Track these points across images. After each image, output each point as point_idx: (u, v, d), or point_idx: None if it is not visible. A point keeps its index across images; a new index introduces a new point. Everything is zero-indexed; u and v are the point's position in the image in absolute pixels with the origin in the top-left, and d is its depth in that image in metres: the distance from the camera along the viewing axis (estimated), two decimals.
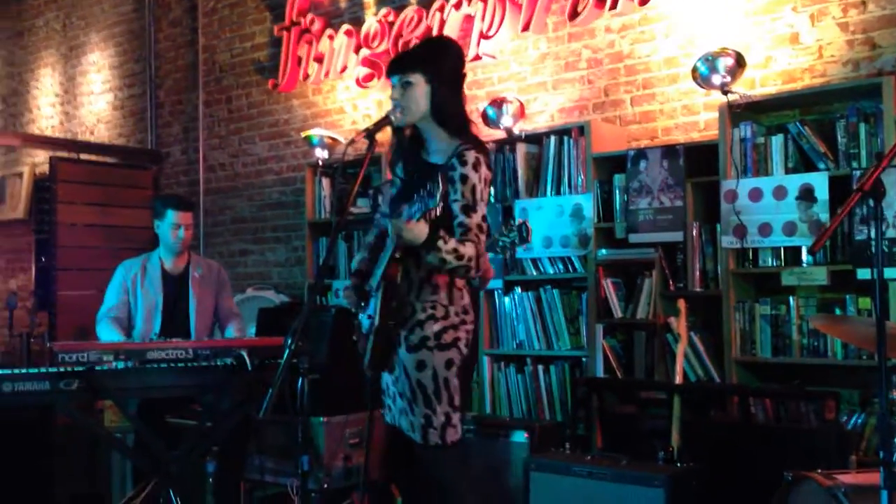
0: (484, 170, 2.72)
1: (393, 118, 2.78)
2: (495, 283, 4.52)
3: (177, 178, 6.94)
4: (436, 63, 2.79)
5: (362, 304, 2.89)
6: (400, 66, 2.81)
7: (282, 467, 4.11)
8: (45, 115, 8.05)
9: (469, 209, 2.69)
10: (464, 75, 2.89)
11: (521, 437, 3.90)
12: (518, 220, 3.24)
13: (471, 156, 2.71)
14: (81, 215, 6.45)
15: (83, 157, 6.85)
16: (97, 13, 7.61)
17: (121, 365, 3.36)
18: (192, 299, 4.19)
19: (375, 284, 2.77)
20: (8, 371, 3.27)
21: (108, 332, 4.04)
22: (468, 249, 2.65)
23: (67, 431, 4.44)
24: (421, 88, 2.76)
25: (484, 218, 2.74)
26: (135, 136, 7.23)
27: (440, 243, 2.60)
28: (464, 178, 2.69)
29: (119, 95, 7.40)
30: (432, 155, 2.84)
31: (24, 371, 3.28)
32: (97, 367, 3.31)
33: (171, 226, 4.13)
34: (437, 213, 2.65)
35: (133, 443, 4.05)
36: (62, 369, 3.26)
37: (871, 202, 2.15)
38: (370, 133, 2.74)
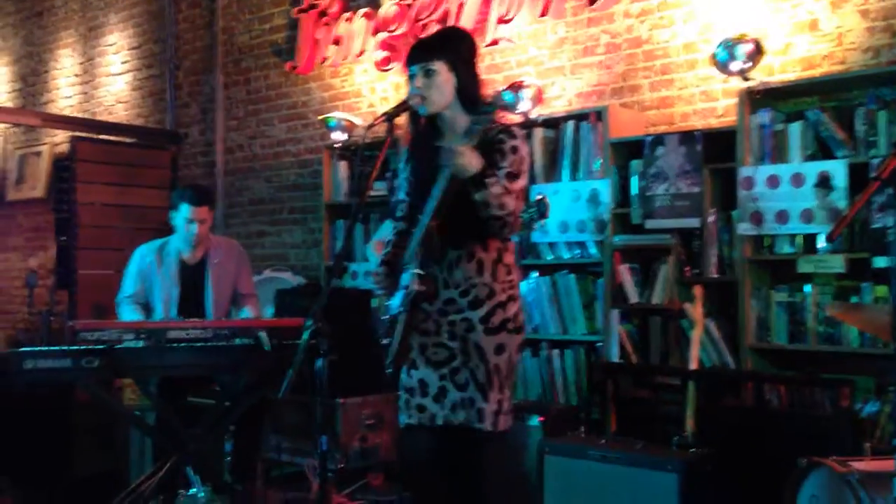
0: (526, 143, 2.81)
1: (412, 103, 2.77)
2: None
3: (195, 159, 6.98)
4: (456, 50, 2.79)
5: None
6: (421, 54, 2.79)
7: (298, 447, 4.16)
8: (64, 95, 8.10)
9: (513, 176, 2.72)
10: (476, 63, 2.89)
11: (535, 420, 3.93)
12: (537, 197, 3.25)
13: (518, 131, 2.80)
14: (100, 195, 6.50)
15: (102, 136, 6.89)
16: None
17: (141, 344, 3.41)
18: (210, 289, 4.13)
19: (412, 251, 2.71)
20: (30, 348, 3.33)
21: (129, 314, 4.06)
22: (510, 203, 2.67)
23: (87, 409, 4.50)
24: (445, 75, 2.76)
25: (524, 189, 2.78)
26: (153, 117, 7.27)
27: (490, 180, 2.61)
28: (514, 149, 2.74)
29: (138, 76, 7.44)
30: (459, 141, 2.80)
31: (45, 348, 3.33)
32: (118, 346, 3.35)
33: (185, 220, 4.05)
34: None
35: (154, 421, 4.09)
36: (83, 347, 3.31)
37: (890, 190, 2.14)
38: (389, 117, 2.75)
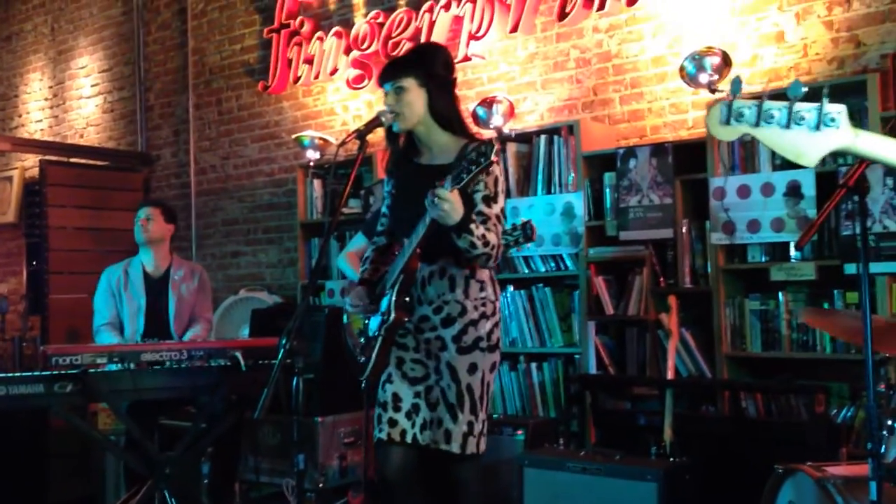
0: (500, 161, 2.73)
1: (384, 119, 2.77)
2: None
3: (167, 181, 6.94)
4: (426, 66, 2.78)
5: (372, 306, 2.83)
6: (391, 72, 2.80)
7: (277, 467, 4.13)
8: (35, 119, 8.04)
9: (490, 200, 2.68)
10: (454, 78, 2.88)
11: (515, 434, 3.93)
12: (522, 220, 3.25)
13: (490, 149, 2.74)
14: (72, 219, 6.45)
15: (73, 160, 6.84)
16: (86, 17, 7.60)
17: (114, 367, 3.37)
18: (172, 301, 4.25)
19: (392, 279, 2.70)
20: (1, 374, 3.28)
21: (108, 340, 4.09)
22: (493, 237, 2.63)
23: (61, 434, 4.44)
24: (415, 92, 2.75)
25: (503, 210, 2.73)
26: (125, 139, 7.23)
27: (472, 226, 2.56)
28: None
29: (108, 98, 7.40)
30: (435, 158, 2.80)
31: (17, 374, 3.28)
32: (91, 370, 3.32)
33: (138, 219, 4.27)
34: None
35: (124, 444, 4.05)
36: (56, 372, 3.27)
37: (856, 198, 2.17)
38: (361, 134, 2.75)
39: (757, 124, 1.46)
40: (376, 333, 2.73)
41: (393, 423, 2.72)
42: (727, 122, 1.47)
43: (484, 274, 2.74)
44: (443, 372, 2.69)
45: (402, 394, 2.73)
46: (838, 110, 1.47)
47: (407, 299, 2.68)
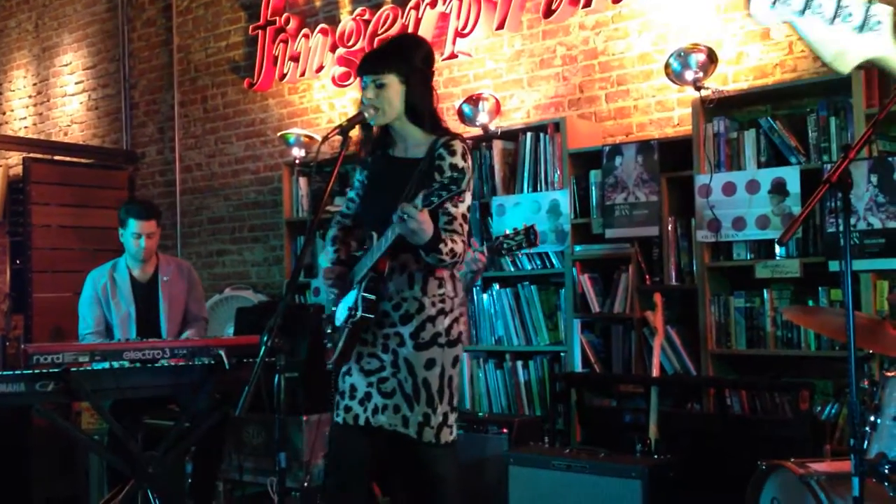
0: (469, 160, 2.71)
1: (367, 114, 2.76)
2: None
3: (153, 179, 6.90)
4: (408, 61, 2.76)
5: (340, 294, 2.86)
6: (372, 66, 2.77)
7: (261, 466, 4.11)
8: (18, 116, 7.98)
9: (456, 200, 2.65)
10: (433, 72, 2.86)
11: (500, 432, 3.92)
12: (525, 224, 3.19)
13: (458, 145, 2.70)
14: (56, 217, 6.40)
15: (57, 158, 6.79)
16: (70, 13, 7.55)
17: (97, 366, 3.34)
18: (163, 306, 4.15)
19: (360, 276, 2.72)
20: None
21: None
22: (458, 246, 2.62)
23: (44, 433, 4.41)
24: (395, 88, 2.73)
25: (469, 208, 2.72)
26: (109, 137, 7.18)
27: (442, 245, 2.56)
28: (453, 167, 2.66)
29: (93, 96, 7.35)
30: (409, 151, 2.80)
31: None
32: (73, 369, 3.29)
33: (133, 235, 4.07)
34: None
35: (108, 443, 4.02)
36: (38, 371, 3.24)
37: (840, 194, 2.17)
38: (344, 130, 2.73)
39: (803, 12, 1.41)
40: (343, 325, 2.75)
41: (348, 409, 2.76)
42: (773, 5, 1.43)
43: (444, 271, 2.74)
44: (400, 366, 2.71)
45: (358, 385, 2.76)
46: (887, 12, 1.42)
47: (373, 298, 2.68)
